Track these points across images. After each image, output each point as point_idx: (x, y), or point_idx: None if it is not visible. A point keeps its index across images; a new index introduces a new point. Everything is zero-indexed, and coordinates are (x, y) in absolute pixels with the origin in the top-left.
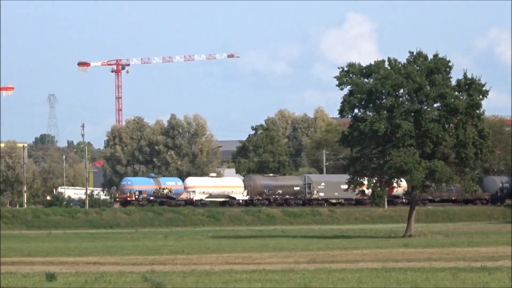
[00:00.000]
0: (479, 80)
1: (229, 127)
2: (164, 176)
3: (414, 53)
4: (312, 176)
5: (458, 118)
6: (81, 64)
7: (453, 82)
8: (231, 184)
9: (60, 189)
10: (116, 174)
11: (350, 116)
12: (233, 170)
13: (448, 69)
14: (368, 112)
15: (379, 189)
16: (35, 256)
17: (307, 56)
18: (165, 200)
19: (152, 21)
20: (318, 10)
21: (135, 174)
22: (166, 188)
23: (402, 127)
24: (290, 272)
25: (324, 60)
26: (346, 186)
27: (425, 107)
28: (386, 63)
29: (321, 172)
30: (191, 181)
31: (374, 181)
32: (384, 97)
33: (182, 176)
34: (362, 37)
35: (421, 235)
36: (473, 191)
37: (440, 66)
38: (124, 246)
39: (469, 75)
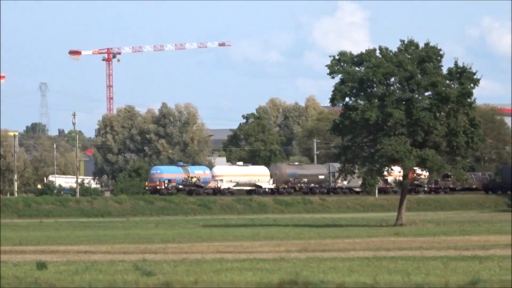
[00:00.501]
0: (470, 68)
1: (220, 116)
2: (192, 164)
3: (406, 42)
4: (336, 165)
5: (449, 106)
6: (72, 52)
7: (445, 70)
8: (257, 172)
9: (51, 178)
10: (107, 163)
11: (341, 104)
12: (224, 158)
13: (439, 58)
14: (359, 101)
15: (370, 177)
16: (26, 245)
17: (300, 45)
18: (194, 188)
19: (144, 10)
20: None
21: (126, 162)
22: (195, 176)
23: (393, 116)
24: (281, 261)
25: (316, 48)
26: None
27: (417, 96)
28: (378, 51)
29: (312, 161)
30: (218, 169)
31: (365, 169)
32: (375, 85)
33: (174, 164)
34: (355, 25)
35: (412, 224)
36: (464, 180)
37: (431, 55)
38: (115, 235)
39: (460, 64)
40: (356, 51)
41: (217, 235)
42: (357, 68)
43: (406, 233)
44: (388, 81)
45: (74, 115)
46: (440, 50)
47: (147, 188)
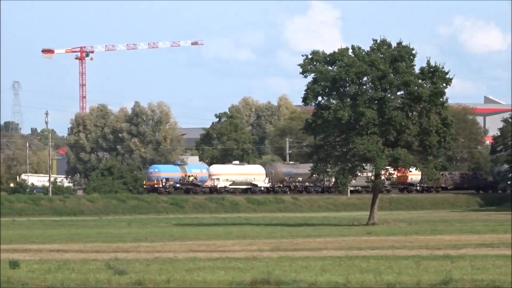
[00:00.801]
0: (443, 68)
1: (193, 115)
2: (190, 164)
3: (378, 41)
4: None
5: (421, 106)
6: (45, 51)
7: (417, 70)
8: (253, 171)
9: (23, 176)
10: (80, 162)
11: (314, 104)
12: (197, 157)
13: (411, 57)
14: (332, 100)
15: (342, 176)
16: None
17: (272, 44)
18: (191, 187)
19: (117, 8)
20: None
21: (99, 161)
22: (192, 175)
23: (365, 115)
24: (254, 260)
25: (288, 47)
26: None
27: (389, 95)
28: (350, 50)
29: (284, 159)
30: (215, 168)
31: (337, 168)
32: (348, 84)
33: (146, 163)
34: (326, 24)
35: (384, 223)
36: (436, 179)
37: (403, 54)
38: (87, 234)
39: (432, 63)
40: (328, 50)
41: (190, 234)
42: (329, 67)
43: (378, 232)
44: (360, 81)
45: (47, 113)
46: (413, 49)
47: (145, 186)
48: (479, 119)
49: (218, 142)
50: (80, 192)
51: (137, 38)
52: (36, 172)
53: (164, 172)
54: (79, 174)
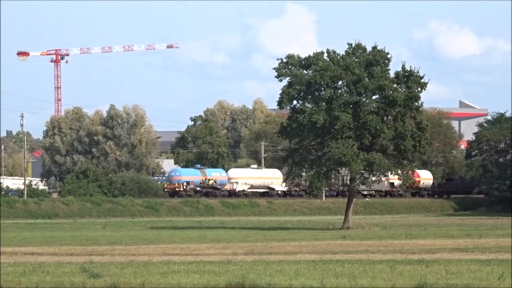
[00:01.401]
0: (418, 72)
1: (168, 118)
2: (209, 167)
3: (353, 45)
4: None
5: (396, 110)
6: (20, 53)
7: (392, 74)
8: (271, 175)
9: None
10: (55, 164)
11: (289, 107)
12: (172, 161)
13: (386, 61)
14: (307, 104)
15: (317, 180)
16: None
17: (247, 47)
18: (211, 190)
19: (92, 11)
20: (258, 0)
21: (74, 164)
22: (212, 179)
23: (340, 119)
24: (228, 264)
25: (263, 51)
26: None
27: (364, 99)
28: (325, 54)
29: (259, 163)
30: (233, 172)
31: (312, 172)
32: (323, 88)
33: (121, 166)
34: (302, 28)
35: (359, 227)
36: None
37: (378, 58)
38: (62, 237)
39: (408, 67)
40: (303, 53)
41: (164, 237)
42: (304, 71)
43: (353, 236)
44: (335, 85)
45: (22, 116)
46: (388, 53)
47: (166, 190)
48: (454, 124)
49: (193, 146)
50: (55, 195)
51: (112, 41)
52: (11, 175)
53: (185, 176)
54: (54, 177)
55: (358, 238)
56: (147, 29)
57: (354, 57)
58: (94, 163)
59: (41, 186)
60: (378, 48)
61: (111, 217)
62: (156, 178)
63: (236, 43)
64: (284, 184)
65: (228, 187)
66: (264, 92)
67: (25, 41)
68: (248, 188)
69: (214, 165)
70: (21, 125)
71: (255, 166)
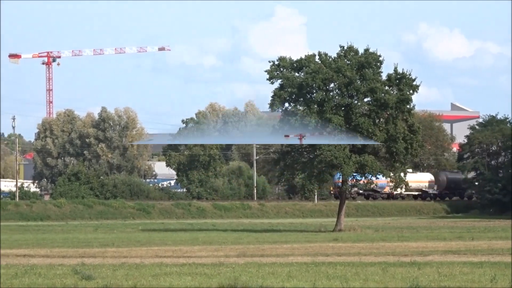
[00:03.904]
0: (409, 75)
1: (160, 120)
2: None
3: (345, 47)
4: None
5: (388, 112)
6: (12, 56)
7: (384, 76)
8: (424, 179)
9: None
10: (47, 167)
11: (280, 110)
12: (164, 163)
13: (378, 64)
14: (298, 106)
15: (309, 182)
16: None
17: (236, 50)
18: (371, 193)
19: (83, 13)
20: (247, 3)
21: (66, 166)
22: (374, 182)
23: (332, 122)
24: (220, 266)
25: (252, 53)
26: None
27: (356, 102)
28: (317, 57)
29: (251, 166)
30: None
31: (304, 175)
32: (314, 91)
33: (113, 168)
34: (291, 30)
35: (351, 229)
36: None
37: (370, 61)
38: (54, 239)
39: (400, 70)
40: (293, 56)
41: (156, 240)
42: (296, 74)
43: (345, 238)
44: (327, 87)
45: (13, 118)
46: (380, 56)
47: (332, 192)
48: (446, 126)
49: (185, 148)
50: (47, 197)
51: (103, 44)
52: (3, 177)
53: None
54: (46, 179)
55: (350, 241)
56: (138, 32)
57: (346, 60)
58: (86, 165)
59: (33, 188)
60: (370, 50)
61: (103, 219)
62: (148, 180)
63: (225, 46)
64: (436, 187)
65: (387, 190)
66: (254, 94)
67: (17, 44)
68: (405, 191)
69: (206, 168)
70: (13, 127)
71: (410, 170)
